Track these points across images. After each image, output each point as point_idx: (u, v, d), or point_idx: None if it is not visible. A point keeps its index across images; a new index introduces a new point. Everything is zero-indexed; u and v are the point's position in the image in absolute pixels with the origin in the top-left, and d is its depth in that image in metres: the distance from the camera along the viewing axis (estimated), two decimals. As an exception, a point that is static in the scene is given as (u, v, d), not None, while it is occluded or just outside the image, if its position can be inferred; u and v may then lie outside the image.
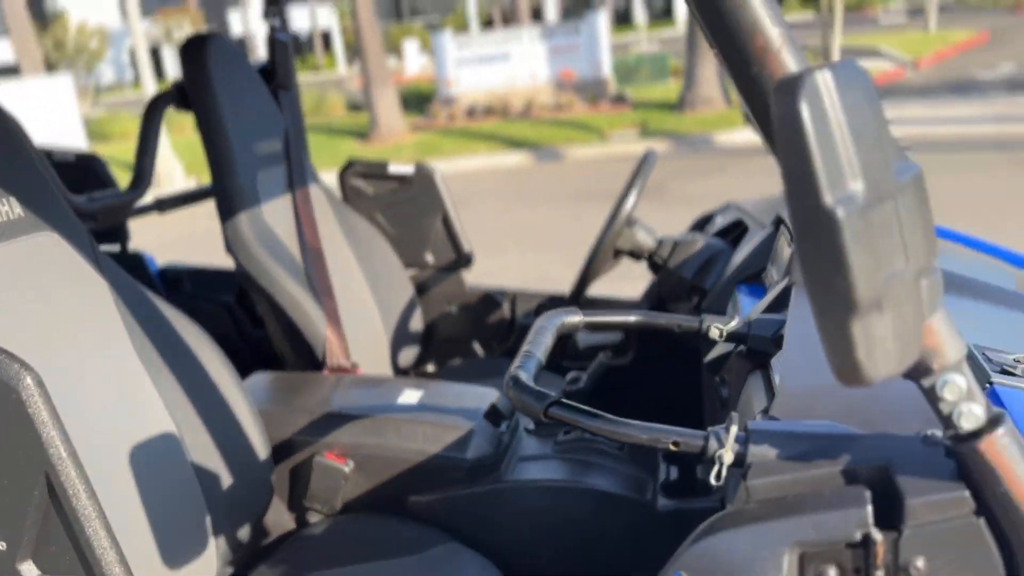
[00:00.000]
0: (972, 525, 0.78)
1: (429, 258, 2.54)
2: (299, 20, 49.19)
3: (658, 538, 1.45)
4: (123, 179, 2.50)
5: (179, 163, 13.66)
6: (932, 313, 0.68)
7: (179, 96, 2.13)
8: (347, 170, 2.54)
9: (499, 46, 17.60)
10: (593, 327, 1.33)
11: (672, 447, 0.93)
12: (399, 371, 2.37)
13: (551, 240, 7.45)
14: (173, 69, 45.78)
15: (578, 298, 2.09)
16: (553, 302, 2.43)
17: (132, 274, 1.56)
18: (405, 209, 2.49)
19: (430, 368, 2.63)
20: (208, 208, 2.35)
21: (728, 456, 0.88)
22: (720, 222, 2.16)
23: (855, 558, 0.81)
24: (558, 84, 17.49)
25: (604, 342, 2.21)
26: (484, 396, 1.78)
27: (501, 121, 16.84)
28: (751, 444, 0.89)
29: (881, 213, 0.59)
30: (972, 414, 0.74)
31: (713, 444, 0.91)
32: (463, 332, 2.55)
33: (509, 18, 36.91)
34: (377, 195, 2.49)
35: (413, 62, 31.91)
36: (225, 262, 2.24)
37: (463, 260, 2.56)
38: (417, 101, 20.04)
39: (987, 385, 0.98)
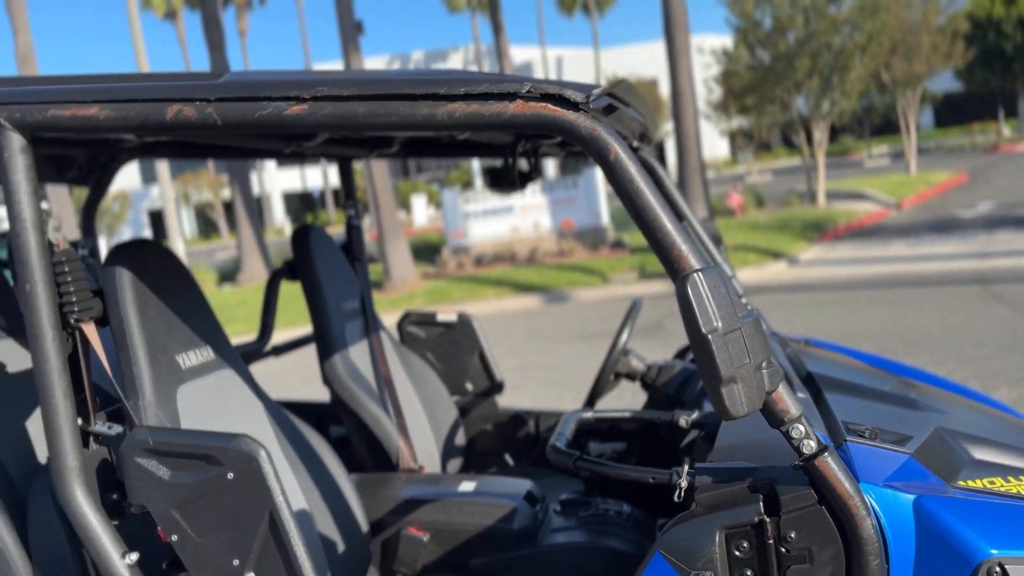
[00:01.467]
0: (818, 511, 1.36)
1: (469, 386, 3.15)
2: (312, 178, 51.67)
3: None
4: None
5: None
6: (775, 387, 1.30)
7: (289, 270, 2.85)
8: (404, 319, 3.21)
9: (503, 200, 18.76)
10: (600, 420, 1.94)
11: (651, 480, 1.54)
12: None
13: (562, 378, 8.04)
14: (189, 227, 48.10)
15: (592, 403, 2.69)
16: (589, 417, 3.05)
17: None
18: (449, 348, 3.14)
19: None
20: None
21: (684, 483, 1.49)
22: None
23: (756, 534, 1.39)
24: (560, 232, 18.55)
25: (611, 450, 2.80)
26: (522, 484, 2.37)
27: (508, 267, 17.77)
28: (697, 476, 1.49)
29: (733, 336, 1.24)
30: (809, 445, 1.34)
31: (675, 477, 1.52)
32: (497, 446, 3.13)
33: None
34: (428, 338, 3.15)
35: (421, 214, 33.57)
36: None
37: (496, 387, 3.16)
38: (426, 251, 21.14)
39: (843, 442, 1.58)
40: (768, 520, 1.37)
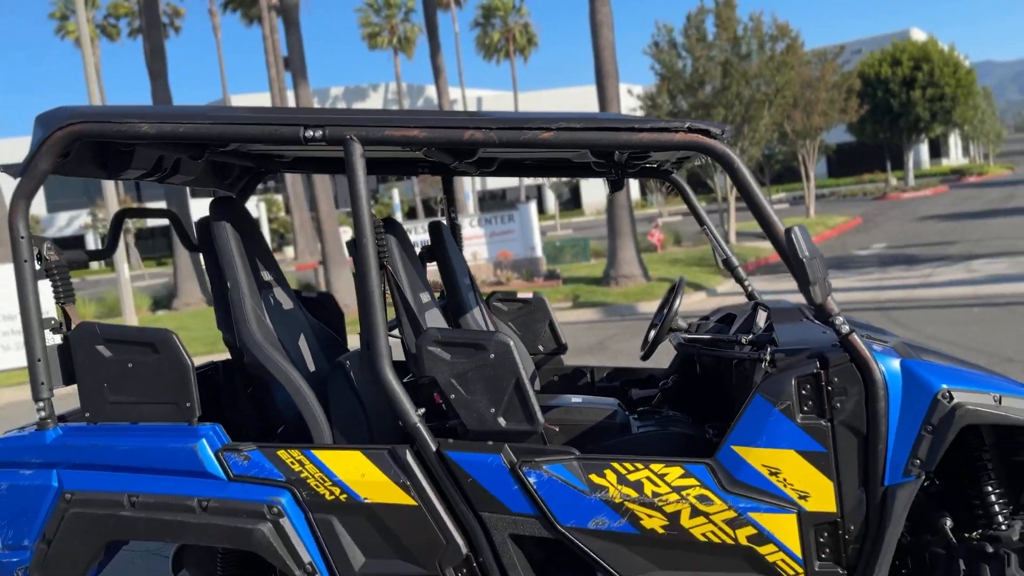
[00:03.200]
0: (850, 366, 2.37)
1: (540, 348, 4.11)
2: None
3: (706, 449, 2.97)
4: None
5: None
6: (829, 293, 2.33)
7: (428, 254, 3.79)
8: (491, 297, 4.13)
9: (442, 231, 19.73)
10: (691, 339, 2.99)
11: (747, 353, 2.59)
12: None
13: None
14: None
15: (648, 355, 3.66)
16: (619, 372, 4.02)
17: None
18: (527, 319, 4.08)
19: None
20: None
21: (768, 356, 2.51)
22: (715, 316, 3.82)
23: (814, 381, 2.40)
24: (497, 263, 19.60)
25: (651, 394, 3.81)
26: (611, 400, 3.35)
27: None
28: (775, 353, 2.52)
29: (815, 261, 2.28)
30: (844, 328, 2.36)
31: (763, 353, 2.54)
32: (563, 392, 4.09)
33: (432, 210, 39.84)
34: (509, 311, 4.09)
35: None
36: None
37: (561, 349, 4.12)
38: (363, 280, 21.83)
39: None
40: (822, 372, 2.39)
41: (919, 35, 55.48)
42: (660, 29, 20.93)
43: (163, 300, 21.31)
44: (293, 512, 2.45)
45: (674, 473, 2.40)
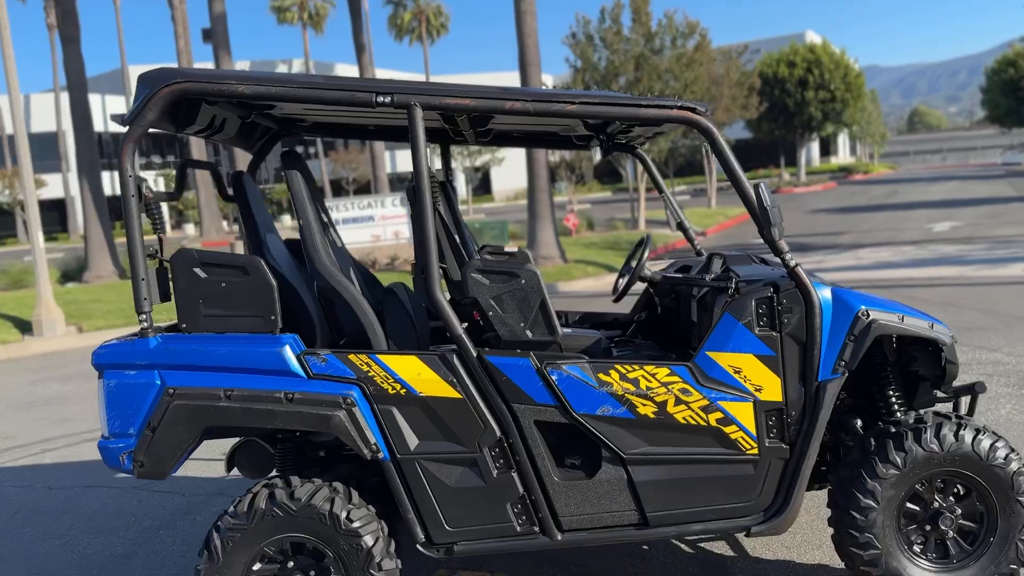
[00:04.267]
0: (795, 292, 3.06)
1: None
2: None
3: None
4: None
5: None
6: (783, 234, 3.08)
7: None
8: (482, 249, 4.74)
9: (364, 210, 20.10)
10: (664, 279, 3.71)
11: (720, 285, 3.33)
12: None
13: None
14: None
15: (620, 297, 4.31)
16: (589, 315, 4.73)
17: None
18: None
19: None
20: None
21: (732, 286, 3.24)
22: (672, 267, 4.56)
23: (768, 302, 3.08)
24: (419, 242, 20.12)
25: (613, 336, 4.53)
26: (595, 332, 4.03)
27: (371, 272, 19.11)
28: (738, 282, 3.26)
29: (775, 209, 3.03)
30: (792, 262, 3.07)
31: (730, 283, 3.27)
32: None
33: (343, 189, 39.88)
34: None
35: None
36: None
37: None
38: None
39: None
40: (775, 295, 3.14)
41: (814, 38, 58.43)
42: (579, 20, 21.79)
43: (73, 273, 20.92)
44: (362, 403, 3.04)
45: (662, 372, 3.11)
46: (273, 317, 3.08)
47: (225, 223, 33.45)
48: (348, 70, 52.74)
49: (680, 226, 4.55)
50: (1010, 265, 13.23)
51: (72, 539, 4.78)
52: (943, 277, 12.62)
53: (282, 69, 53.44)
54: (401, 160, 52.30)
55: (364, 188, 41.45)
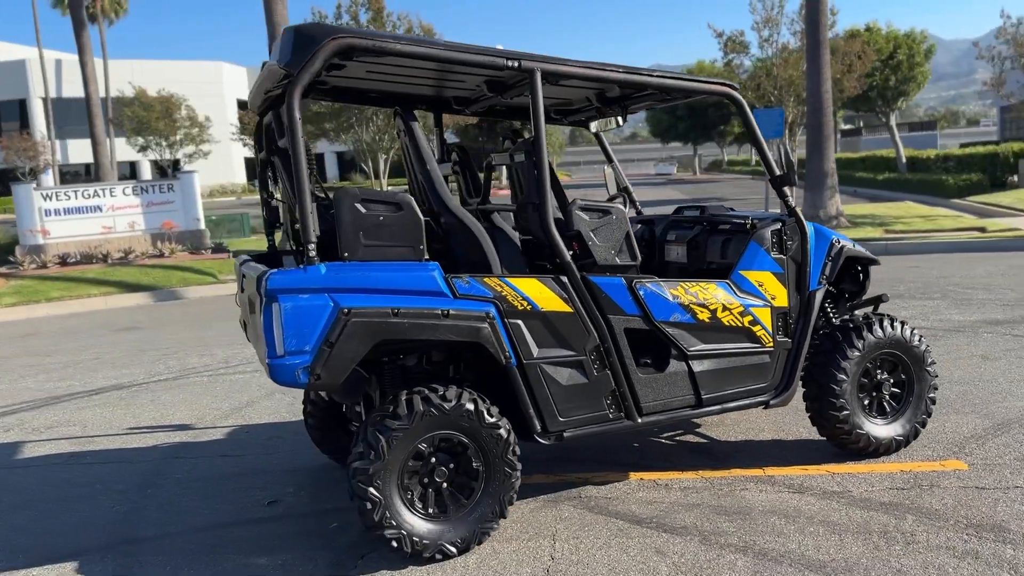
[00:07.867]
0: (797, 224, 4.14)
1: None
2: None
3: None
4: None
5: None
6: (795, 182, 4.13)
7: None
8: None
9: (90, 199, 18.54)
10: (682, 218, 4.64)
11: (741, 221, 4.36)
12: None
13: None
14: None
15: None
16: None
17: None
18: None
19: None
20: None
21: (749, 223, 4.26)
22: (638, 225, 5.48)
23: (778, 232, 4.10)
24: (161, 235, 18.97)
25: None
26: None
27: (104, 267, 17.67)
28: (754, 219, 4.30)
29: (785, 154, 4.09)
30: (791, 204, 4.21)
31: (747, 222, 4.30)
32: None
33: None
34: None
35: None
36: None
37: None
38: (-13, 251, 19.46)
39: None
40: (783, 228, 4.19)
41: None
42: (315, 15, 21.89)
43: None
44: (498, 318, 3.60)
45: (712, 287, 3.99)
46: (421, 247, 3.53)
47: None
48: (21, 51, 46.48)
49: (625, 190, 5.48)
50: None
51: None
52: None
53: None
54: (73, 151, 47.13)
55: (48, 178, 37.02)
